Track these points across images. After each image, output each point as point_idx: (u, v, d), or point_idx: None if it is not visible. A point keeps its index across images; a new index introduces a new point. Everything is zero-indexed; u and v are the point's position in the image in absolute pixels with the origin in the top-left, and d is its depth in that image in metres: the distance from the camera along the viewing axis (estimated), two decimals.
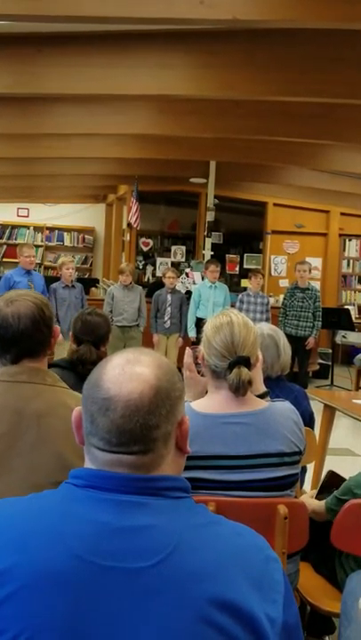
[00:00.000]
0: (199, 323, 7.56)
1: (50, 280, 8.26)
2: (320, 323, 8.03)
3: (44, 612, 0.92)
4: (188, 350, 2.17)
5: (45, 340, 1.88)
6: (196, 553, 0.99)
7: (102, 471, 1.06)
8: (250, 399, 1.92)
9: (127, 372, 1.08)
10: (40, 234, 13.41)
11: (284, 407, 1.99)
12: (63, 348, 6.16)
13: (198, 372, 2.10)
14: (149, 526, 1.00)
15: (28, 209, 13.34)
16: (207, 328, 1.99)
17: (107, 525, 0.99)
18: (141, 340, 7.85)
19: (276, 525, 1.88)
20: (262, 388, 2.12)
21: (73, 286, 7.65)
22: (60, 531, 0.99)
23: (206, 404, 1.93)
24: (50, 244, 13.46)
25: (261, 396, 2.05)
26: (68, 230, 13.57)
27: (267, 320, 7.72)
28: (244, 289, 9.00)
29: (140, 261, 11.89)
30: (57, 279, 7.84)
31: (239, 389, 1.86)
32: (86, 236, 13.71)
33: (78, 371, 2.88)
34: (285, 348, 2.99)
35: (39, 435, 1.70)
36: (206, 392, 2.03)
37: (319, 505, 2.44)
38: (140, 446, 1.05)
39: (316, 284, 9.59)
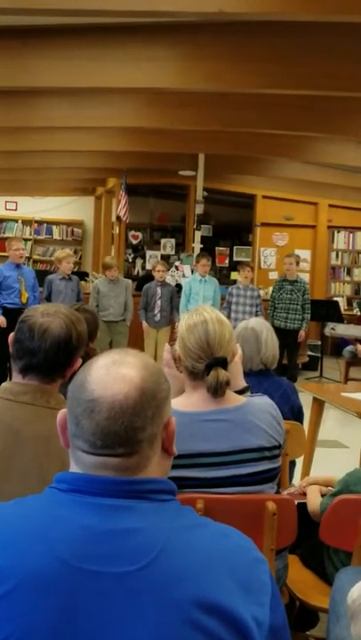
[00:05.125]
0: None
1: (39, 274, 8.23)
2: (309, 315, 8.03)
3: (31, 615, 0.92)
4: (167, 346, 2.15)
5: (59, 367, 1.77)
6: (183, 556, 0.99)
7: (87, 475, 1.05)
8: (228, 396, 1.90)
9: (112, 373, 1.07)
10: (29, 227, 13.35)
11: (263, 402, 1.98)
12: None
13: (177, 369, 2.08)
14: (135, 530, 0.99)
15: (16, 202, 13.26)
16: (181, 327, 1.96)
17: (92, 529, 0.98)
18: (128, 334, 7.83)
19: (264, 522, 1.88)
20: (242, 384, 2.11)
21: (69, 278, 7.63)
22: (45, 534, 0.98)
23: (185, 402, 1.91)
24: (38, 237, 13.39)
25: (241, 392, 2.04)
26: (57, 223, 13.49)
27: (258, 313, 7.72)
28: (234, 282, 8.97)
29: (130, 254, 11.86)
30: (47, 272, 7.80)
31: (217, 391, 1.85)
32: (75, 229, 13.66)
33: None
34: (268, 343, 2.92)
35: (35, 461, 1.64)
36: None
37: (315, 504, 2.42)
38: (125, 448, 1.04)
39: (305, 277, 9.57)
